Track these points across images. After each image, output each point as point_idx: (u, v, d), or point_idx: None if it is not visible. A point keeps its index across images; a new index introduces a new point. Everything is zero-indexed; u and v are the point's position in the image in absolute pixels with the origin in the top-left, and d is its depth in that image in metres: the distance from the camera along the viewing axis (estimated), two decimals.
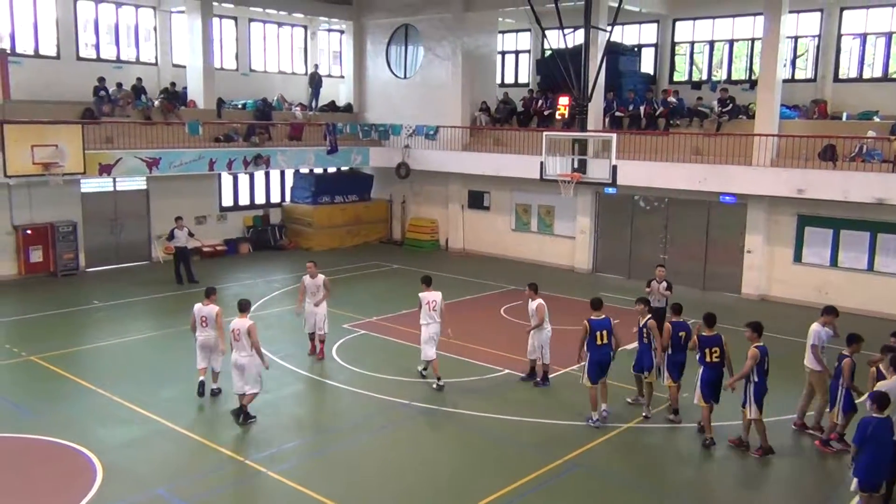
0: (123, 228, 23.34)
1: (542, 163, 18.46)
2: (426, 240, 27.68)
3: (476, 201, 26.68)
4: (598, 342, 11.64)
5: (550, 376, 13.73)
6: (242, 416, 11.48)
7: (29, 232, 21.17)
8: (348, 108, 29.69)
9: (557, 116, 22.63)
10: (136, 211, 23.58)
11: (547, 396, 13.17)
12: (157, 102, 23.86)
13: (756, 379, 10.68)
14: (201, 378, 12.67)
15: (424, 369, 13.79)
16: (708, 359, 11.08)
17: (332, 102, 29.83)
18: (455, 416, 12.21)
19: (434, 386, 13.22)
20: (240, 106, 26.67)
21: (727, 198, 20.70)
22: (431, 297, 13.36)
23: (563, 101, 20.90)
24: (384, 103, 28.74)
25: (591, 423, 11.77)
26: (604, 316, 11.82)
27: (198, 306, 12.62)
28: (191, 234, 21.01)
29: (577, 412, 12.37)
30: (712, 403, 11.16)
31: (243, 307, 11.67)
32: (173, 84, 24.87)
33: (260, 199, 27.55)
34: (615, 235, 23.45)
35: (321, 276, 14.68)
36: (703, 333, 11.23)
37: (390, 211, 29.14)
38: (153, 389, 13.03)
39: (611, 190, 21.47)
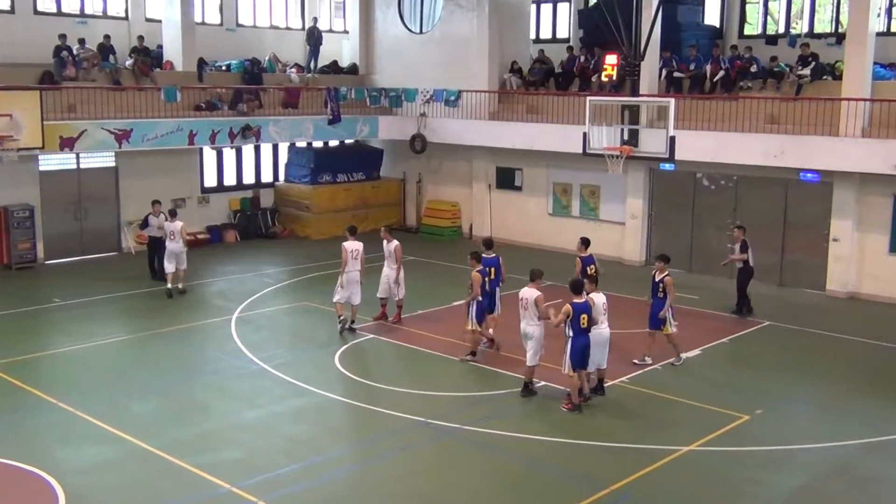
0: (88, 213, 23.48)
1: (585, 134, 18.33)
2: (446, 226, 27.63)
3: (505, 180, 26.60)
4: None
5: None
6: (524, 388, 13.50)
7: None
8: (353, 69, 29.69)
9: (604, 78, 22.42)
10: (103, 193, 23.71)
11: (591, 414, 13.06)
12: (128, 64, 23.96)
13: (571, 335, 12.72)
14: (169, 285, 18.82)
15: (340, 317, 16.47)
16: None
17: (335, 63, 29.83)
18: (482, 436, 12.15)
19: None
20: (224, 68, 26.71)
21: (809, 175, 20.45)
22: (354, 246, 16.45)
23: (611, 59, 20.66)
24: (396, 64, 28.67)
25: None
26: (494, 254, 15.71)
27: (167, 223, 18.91)
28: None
29: (630, 433, 12.31)
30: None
31: (533, 276, 13.57)
32: (141, 38, 24.82)
33: (249, 178, 27.62)
34: (673, 221, 23.27)
35: (394, 242, 17.11)
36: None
37: (403, 192, 29.15)
38: (124, 403, 13.10)
39: (668, 166, 21.29)
